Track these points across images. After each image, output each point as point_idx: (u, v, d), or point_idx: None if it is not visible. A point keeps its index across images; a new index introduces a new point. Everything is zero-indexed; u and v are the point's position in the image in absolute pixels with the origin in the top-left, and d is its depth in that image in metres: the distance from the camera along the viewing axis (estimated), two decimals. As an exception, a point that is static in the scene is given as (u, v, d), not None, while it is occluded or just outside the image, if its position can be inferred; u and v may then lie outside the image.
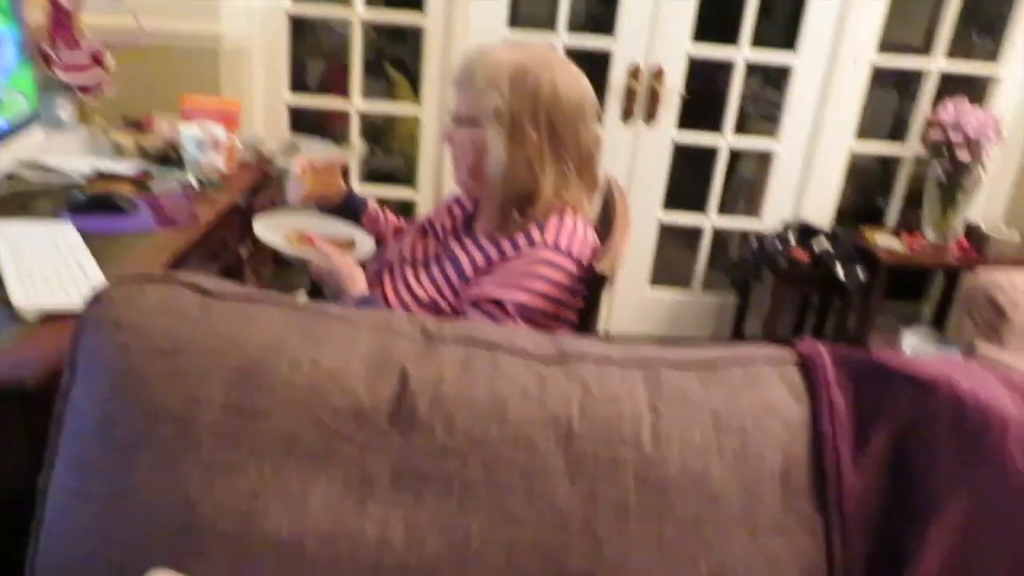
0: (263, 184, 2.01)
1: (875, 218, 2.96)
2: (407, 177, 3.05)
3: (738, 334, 2.90)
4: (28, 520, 0.85)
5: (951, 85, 2.73)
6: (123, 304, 0.84)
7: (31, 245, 1.30)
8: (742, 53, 2.66)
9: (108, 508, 0.80)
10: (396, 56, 3.42)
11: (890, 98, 3.18)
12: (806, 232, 2.60)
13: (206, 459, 0.79)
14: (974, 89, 2.75)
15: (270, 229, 1.46)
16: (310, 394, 0.82)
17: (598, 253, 1.24)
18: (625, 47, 2.65)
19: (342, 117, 2.81)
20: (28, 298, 1.12)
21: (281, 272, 2.37)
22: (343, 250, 1.43)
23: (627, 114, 2.70)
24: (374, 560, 0.78)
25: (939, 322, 2.92)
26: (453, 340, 0.91)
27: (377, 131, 3.29)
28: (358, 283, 1.31)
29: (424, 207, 2.80)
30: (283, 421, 0.81)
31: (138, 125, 2.00)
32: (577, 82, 1.29)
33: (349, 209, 1.62)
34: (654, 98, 2.68)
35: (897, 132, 3.04)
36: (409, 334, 0.91)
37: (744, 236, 2.87)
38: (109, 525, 0.80)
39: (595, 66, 3.11)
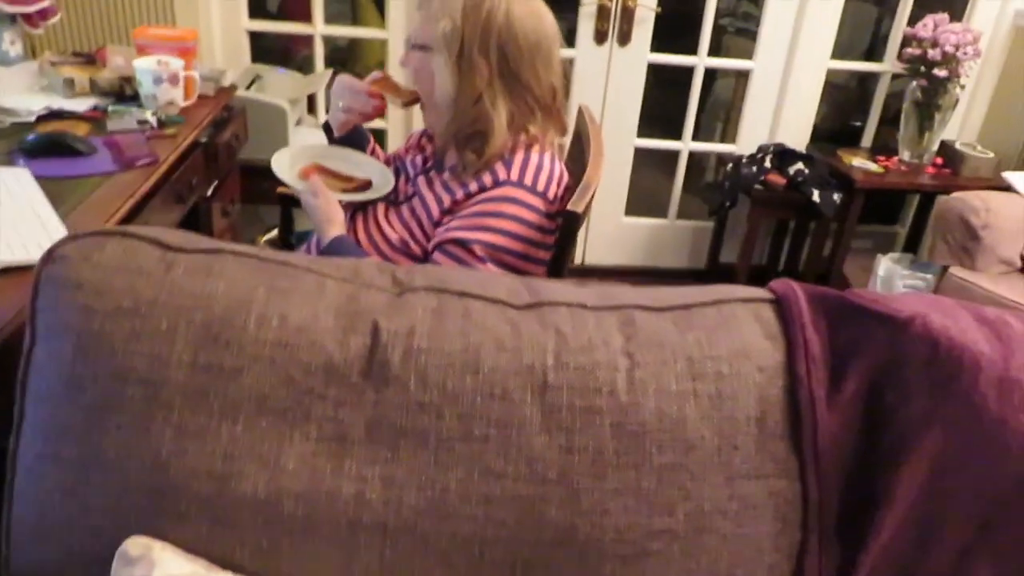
0: (225, 119, 1.94)
1: (851, 140, 2.94)
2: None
3: (714, 262, 2.91)
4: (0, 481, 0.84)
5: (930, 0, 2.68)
6: (80, 262, 0.81)
7: (-17, 194, 1.25)
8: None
9: (80, 473, 0.79)
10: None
11: (867, 14, 3.12)
12: (782, 155, 2.58)
13: (176, 421, 0.78)
14: (953, 4, 2.70)
15: (286, 158, 1.40)
16: (279, 351, 0.80)
17: (568, 187, 1.22)
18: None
19: (304, 42, 2.70)
20: (-17, 252, 1.08)
21: (249, 209, 2.32)
22: (347, 188, 1.37)
23: (600, 36, 2.62)
24: (352, 517, 0.78)
25: (913, 245, 2.94)
26: (424, 288, 0.89)
27: (341, 57, 3.18)
28: (334, 225, 1.27)
29: (395, 138, 2.73)
30: (253, 380, 0.79)
31: (89, 58, 1.91)
32: (538, 15, 1.23)
33: (355, 140, 1.53)
34: (628, 17, 2.60)
35: (873, 50, 2.99)
36: (378, 284, 0.89)
37: (720, 161, 2.85)
38: (82, 489, 0.79)
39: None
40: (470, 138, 1.23)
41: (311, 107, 2.69)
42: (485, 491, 0.79)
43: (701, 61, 2.70)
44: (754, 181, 2.50)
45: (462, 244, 1.17)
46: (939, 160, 2.64)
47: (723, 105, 3.38)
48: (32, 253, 1.10)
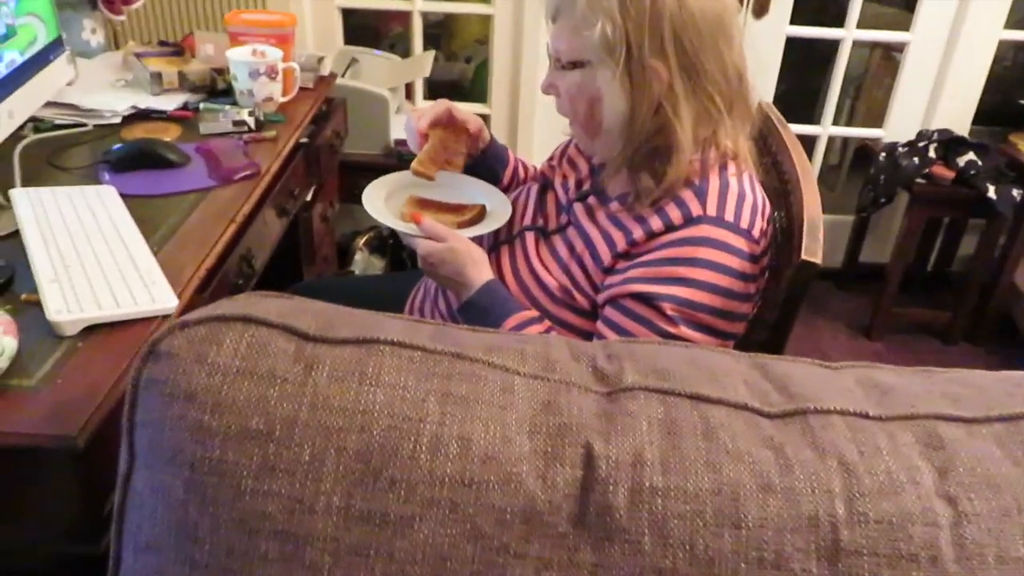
0: (325, 113, 1.72)
1: (1017, 122, 2.55)
2: (474, 88, 2.71)
3: (852, 260, 2.58)
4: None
5: None
6: (192, 364, 0.60)
7: (64, 222, 1.06)
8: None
9: (194, 655, 0.58)
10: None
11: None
12: (948, 144, 2.23)
13: (326, 594, 0.56)
14: None
15: (379, 197, 1.16)
16: (463, 492, 0.58)
17: (769, 218, 0.95)
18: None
19: (397, 18, 2.46)
20: (67, 307, 0.88)
21: (345, 213, 2.12)
22: (463, 220, 1.13)
23: (733, 7, 2.31)
24: None
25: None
26: (641, 387, 0.66)
27: (433, 33, 2.92)
28: (480, 266, 1.03)
29: (499, 124, 2.49)
30: (428, 533, 0.57)
31: (177, 49, 1.71)
32: None
33: (486, 165, 1.28)
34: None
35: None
36: (578, 379, 0.66)
37: (862, 148, 2.50)
38: None
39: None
40: (647, 158, 0.97)
41: (408, 92, 2.46)
42: None
43: (849, 34, 2.36)
44: (916, 174, 2.17)
45: (647, 301, 0.92)
46: None
47: (851, 81, 3.02)
48: (124, 304, 0.90)
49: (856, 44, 2.76)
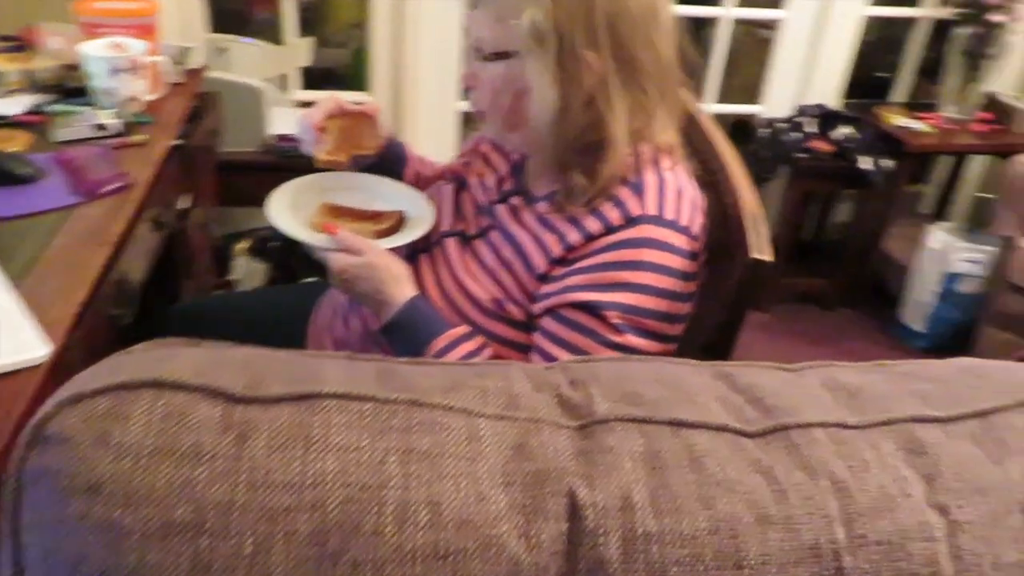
0: (198, 110, 1.56)
1: (877, 94, 2.68)
2: (354, 75, 2.57)
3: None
4: None
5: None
6: (94, 447, 0.49)
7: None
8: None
9: None
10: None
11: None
12: (823, 118, 2.31)
13: None
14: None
15: (286, 205, 1.04)
16: (439, 566, 0.50)
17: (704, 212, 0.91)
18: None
19: (263, 2, 2.29)
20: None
21: (221, 215, 1.95)
22: (381, 230, 1.03)
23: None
24: None
25: (941, 208, 2.74)
26: (616, 417, 0.60)
27: (307, 17, 2.74)
28: (402, 282, 0.94)
29: (383, 114, 2.36)
30: (403, 617, 0.49)
31: (18, 43, 1.49)
32: None
33: (385, 163, 1.18)
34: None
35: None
36: (547, 414, 0.60)
37: (743, 123, 2.56)
38: None
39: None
40: (578, 154, 0.91)
41: (282, 83, 2.29)
42: None
43: (728, 12, 2.39)
44: (797, 149, 2.23)
45: (590, 310, 0.86)
46: (985, 115, 2.41)
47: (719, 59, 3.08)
48: (-17, 357, 0.76)
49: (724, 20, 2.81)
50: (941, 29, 2.52)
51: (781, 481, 0.57)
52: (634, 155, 0.90)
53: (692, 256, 0.90)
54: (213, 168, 1.69)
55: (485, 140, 1.12)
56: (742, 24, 2.52)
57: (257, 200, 2.02)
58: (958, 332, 2.30)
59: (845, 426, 0.63)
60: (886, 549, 0.56)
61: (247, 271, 2.09)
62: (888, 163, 2.22)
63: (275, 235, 2.07)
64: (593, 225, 0.89)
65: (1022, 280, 2.05)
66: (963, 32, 2.31)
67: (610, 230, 0.88)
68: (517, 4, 0.86)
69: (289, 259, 1.97)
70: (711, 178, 0.98)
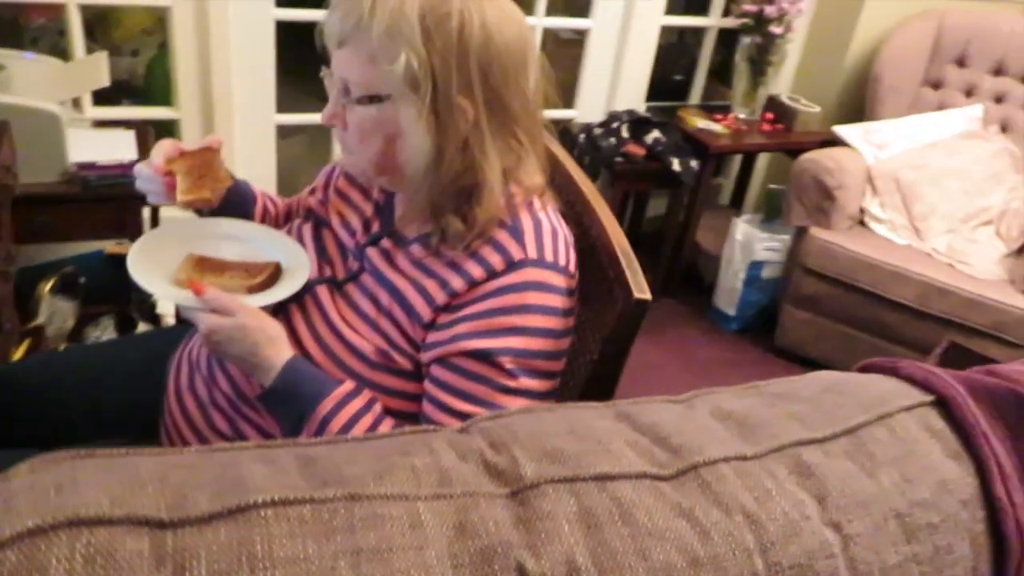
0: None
1: (675, 95, 2.90)
2: (150, 87, 2.37)
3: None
4: None
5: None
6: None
7: None
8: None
9: None
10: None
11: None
12: (634, 123, 2.45)
13: None
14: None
15: (144, 259, 0.95)
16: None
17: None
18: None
19: (40, 10, 2.05)
20: None
21: (22, 254, 1.74)
22: (255, 284, 0.96)
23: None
24: None
25: (738, 199, 3.01)
26: (544, 479, 0.62)
27: (91, 23, 2.49)
28: (277, 344, 0.89)
29: (193, 131, 2.20)
30: None
31: None
32: (512, 17, 0.91)
33: (233, 202, 1.10)
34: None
35: (690, 5, 2.95)
36: (480, 486, 0.61)
37: (564, 131, 2.66)
38: None
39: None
40: (452, 199, 0.90)
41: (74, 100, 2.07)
42: None
43: (540, 22, 2.46)
44: (614, 154, 2.36)
45: (483, 357, 0.86)
46: (769, 115, 2.67)
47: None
48: None
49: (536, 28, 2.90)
50: (726, 36, 2.77)
51: (702, 522, 0.61)
52: (506, 197, 0.91)
53: (570, 293, 0.93)
54: (7, 207, 1.50)
55: (337, 174, 1.09)
56: (551, 32, 2.62)
57: (60, 234, 1.83)
58: (763, 313, 2.55)
59: (744, 458, 0.68)
60: (798, 572, 0.61)
61: (52, 311, 1.88)
62: (695, 164, 2.41)
63: (82, 269, 1.88)
64: (476, 271, 0.89)
65: (815, 264, 2.31)
66: (747, 41, 2.54)
67: (493, 275, 0.88)
68: (391, 47, 0.84)
69: (125, 305, 1.79)
70: (571, 211, 1.02)
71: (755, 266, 2.45)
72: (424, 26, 0.84)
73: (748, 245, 2.45)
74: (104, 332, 1.93)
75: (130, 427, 1.09)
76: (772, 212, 2.57)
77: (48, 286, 1.82)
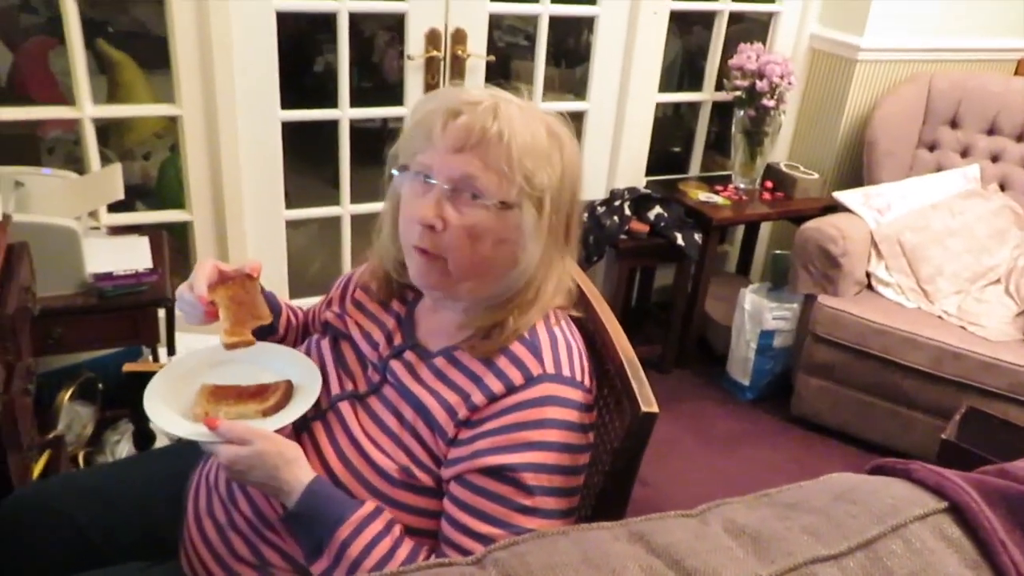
0: (12, 268, 1.42)
1: (672, 168, 2.95)
2: (163, 189, 2.42)
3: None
4: None
5: (731, 24, 2.74)
6: None
7: None
8: (547, 8, 2.42)
9: None
10: (110, 27, 2.69)
11: (673, 45, 3.15)
12: (636, 200, 2.49)
13: None
14: (753, 33, 2.78)
15: (160, 397, 0.98)
16: None
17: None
18: (420, 8, 2.28)
19: (54, 124, 2.12)
20: None
21: (45, 382, 1.77)
22: (268, 407, 0.98)
23: (430, 89, 2.36)
24: None
25: (744, 266, 3.03)
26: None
27: (104, 129, 2.58)
28: (297, 465, 0.91)
29: (206, 234, 2.25)
30: None
31: None
32: (578, 152, 1.00)
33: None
34: (458, 68, 2.37)
35: (683, 80, 3.03)
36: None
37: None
38: None
39: (393, 35, 2.70)
40: (502, 307, 0.96)
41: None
42: None
43: (537, 105, 2.53)
44: (619, 232, 2.39)
45: (503, 473, 0.87)
46: (769, 184, 2.71)
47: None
48: None
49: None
50: (721, 107, 2.83)
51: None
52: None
53: (587, 408, 0.94)
54: (27, 326, 1.53)
55: (354, 286, 1.11)
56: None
57: (77, 345, 1.86)
58: (777, 381, 2.54)
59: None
60: None
61: (72, 418, 1.90)
62: (698, 236, 2.44)
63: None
64: (496, 385, 0.91)
65: (825, 332, 2.31)
66: (741, 114, 2.60)
67: (512, 390, 0.90)
68: (533, 162, 0.90)
69: (143, 420, 1.79)
70: (576, 320, 1.04)
71: (766, 335, 2.45)
72: (551, 152, 0.92)
73: (757, 315, 2.46)
74: (123, 436, 1.94)
75: (151, 549, 1.09)
76: (778, 277, 2.59)
77: (67, 395, 1.84)
